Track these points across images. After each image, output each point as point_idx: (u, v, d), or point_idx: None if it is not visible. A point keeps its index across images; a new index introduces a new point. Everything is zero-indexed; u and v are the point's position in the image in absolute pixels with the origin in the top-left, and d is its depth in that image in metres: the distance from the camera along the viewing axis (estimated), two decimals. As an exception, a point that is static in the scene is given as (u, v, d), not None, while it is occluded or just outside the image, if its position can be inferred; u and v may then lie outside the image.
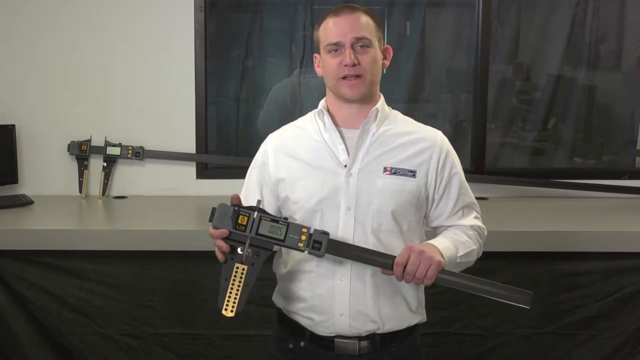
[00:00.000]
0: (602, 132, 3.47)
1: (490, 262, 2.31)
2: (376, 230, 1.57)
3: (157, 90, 3.03)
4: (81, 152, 2.98)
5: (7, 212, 2.70)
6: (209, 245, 1.53)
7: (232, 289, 1.46)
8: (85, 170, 3.00)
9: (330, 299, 1.58)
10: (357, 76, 1.55)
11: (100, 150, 2.98)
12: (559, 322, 2.54)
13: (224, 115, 3.31)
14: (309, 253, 1.50)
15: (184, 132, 3.06)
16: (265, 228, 1.48)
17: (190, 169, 3.10)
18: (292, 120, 1.73)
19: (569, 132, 3.43)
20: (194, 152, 3.08)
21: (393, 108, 1.69)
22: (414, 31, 3.34)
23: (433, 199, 1.63)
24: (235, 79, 3.28)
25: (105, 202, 2.96)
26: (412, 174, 1.58)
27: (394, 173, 1.57)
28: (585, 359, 2.55)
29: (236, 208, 1.48)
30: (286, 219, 1.50)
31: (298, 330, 1.64)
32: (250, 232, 1.47)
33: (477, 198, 1.72)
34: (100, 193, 3.00)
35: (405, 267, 1.47)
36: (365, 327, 1.59)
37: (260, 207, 1.50)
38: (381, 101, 1.63)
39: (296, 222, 1.53)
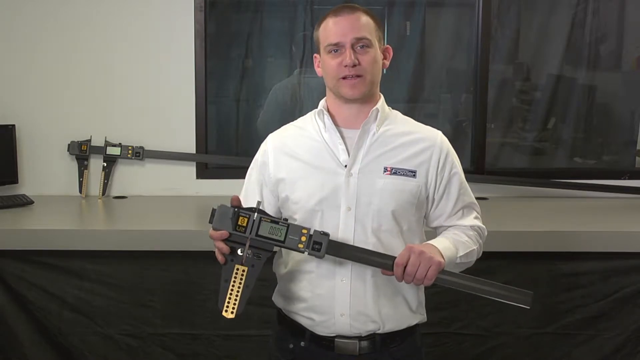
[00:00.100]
0: (602, 132, 3.48)
1: (490, 262, 2.31)
2: (376, 230, 1.57)
3: (157, 90, 3.03)
4: (81, 152, 2.98)
5: (7, 212, 2.70)
6: (209, 245, 1.53)
7: (232, 290, 1.46)
8: (85, 170, 3.00)
9: (331, 299, 1.58)
10: (358, 76, 1.55)
11: (100, 150, 2.98)
12: (559, 322, 2.54)
13: (224, 115, 3.31)
14: (309, 254, 1.50)
15: (184, 132, 3.06)
16: (265, 229, 1.48)
17: (190, 169, 3.10)
18: (292, 120, 1.73)
19: (569, 132, 3.43)
20: (194, 152, 3.08)
21: (393, 108, 1.69)
22: (414, 31, 3.34)
23: (433, 199, 1.63)
24: (235, 79, 3.28)
25: (105, 202, 2.96)
26: (412, 174, 1.58)
27: (394, 173, 1.57)
28: (585, 359, 2.55)
29: (236, 209, 1.47)
30: (286, 220, 1.50)
31: (298, 331, 1.64)
32: (250, 233, 1.47)
33: (477, 198, 1.72)
34: (100, 193, 3.00)
35: (405, 267, 1.47)
36: (365, 327, 1.59)
37: (260, 208, 1.50)
38: (381, 101, 1.63)
39: (296, 222, 1.53)
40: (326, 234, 1.49)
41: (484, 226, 1.68)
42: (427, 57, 3.39)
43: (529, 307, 1.51)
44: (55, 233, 2.46)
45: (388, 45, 1.65)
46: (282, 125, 1.73)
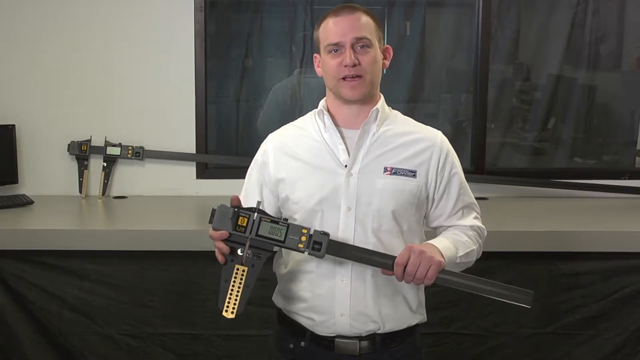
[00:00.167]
0: (602, 132, 3.48)
1: (490, 262, 2.31)
2: (376, 230, 1.57)
3: (157, 90, 3.03)
4: (81, 152, 2.98)
5: (7, 212, 2.70)
6: (209, 245, 1.52)
7: (232, 290, 1.46)
8: (85, 170, 3.00)
9: (331, 299, 1.58)
10: (358, 76, 1.55)
11: (100, 150, 2.98)
12: (559, 322, 2.54)
13: (224, 115, 3.31)
14: (309, 254, 1.49)
15: (184, 132, 3.06)
16: (265, 229, 1.48)
17: (190, 169, 3.10)
18: (292, 120, 1.73)
19: (569, 132, 3.43)
20: (194, 152, 3.08)
21: (393, 108, 1.69)
22: (414, 31, 3.34)
23: (433, 199, 1.63)
24: (235, 79, 3.28)
25: (105, 202, 2.96)
26: (413, 174, 1.58)
27: (394, 173, 1.57)
28: (585, 359, 2.55)
29: (236, 209, 1.47)
30: (286, 219, 1.50)
31: (298, 330, 1.64)
32: (250, 233, 1.47)
33: (477, 198, 1.72)
34: (100, 193, 3.00)
35: (405, 267, 1.47)
36: (365, 327, 1.59)
37: (260, 208, 1.50)
38: (381, 101, 1.63)
39: (296, 222, 1.53)
40: (326, 234, 1.49)
41: (483, 226, 1.68)
42: (427, 57, 3.39)
43: (529, 307, 1.51)
44: (55, 233, 2.46)
45: (388, 45, 1.65)
46: (282, 125, 1.73)
